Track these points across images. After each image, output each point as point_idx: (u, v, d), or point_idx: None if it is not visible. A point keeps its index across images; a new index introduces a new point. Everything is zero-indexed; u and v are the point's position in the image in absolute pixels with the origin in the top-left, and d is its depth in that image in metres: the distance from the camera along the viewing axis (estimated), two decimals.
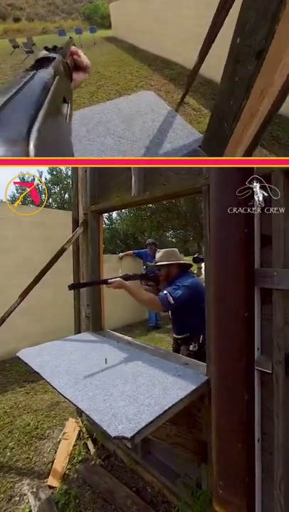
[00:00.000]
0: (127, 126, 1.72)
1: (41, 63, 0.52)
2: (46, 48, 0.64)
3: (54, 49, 0.64)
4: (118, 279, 1.70)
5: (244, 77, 1.29)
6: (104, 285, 1.77)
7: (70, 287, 1.74)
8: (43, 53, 0.61)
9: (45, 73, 0.46)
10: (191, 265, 2.07)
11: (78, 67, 0.77)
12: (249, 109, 1.36)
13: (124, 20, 10.06)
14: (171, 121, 1.79)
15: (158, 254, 2.05)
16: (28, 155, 0.28)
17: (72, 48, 0.77)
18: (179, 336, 1.96)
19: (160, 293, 1.75)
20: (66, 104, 0.51)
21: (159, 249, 2.14)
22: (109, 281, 1.70)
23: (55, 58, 0.55)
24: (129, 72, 5.85)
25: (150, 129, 1.71)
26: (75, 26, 13.94)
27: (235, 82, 1.37)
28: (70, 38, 1.00)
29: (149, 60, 6.79)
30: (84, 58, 0.78)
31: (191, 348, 1.84)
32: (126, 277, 1.79)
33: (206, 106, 4.01)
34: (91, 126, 1.72)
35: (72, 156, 0.48)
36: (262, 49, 1.16)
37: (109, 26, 13.42)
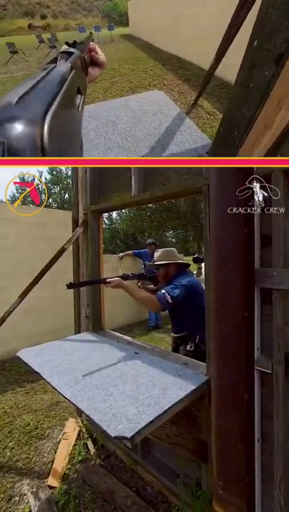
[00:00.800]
0: (134, 125, 1.71)
1: (61, 57, 0.59)
2: (67, 43, 0.70)
3: (74, 44, 0.70)
4: (117, 278, 1.70)
5: (260, 84, 1.18)
6: (103, 284, 1.77)
7: (69, 286, 1.74)
8: (64, 48, 0.67)
9: (63, 66, 0.53)
10: (188, 265, 2.08)
11: (95, 63, 0.81)
12: (263, 119, 1.25)
13: (141, 18, 10.05)
14: (179, 124, 1.78)
15: (156, 254, 2.05)
16: (42, 134, 0.33)
17: (91, 44, 0.81)
18: (177, 335, 1.96)
19: (158, 292, 1.75)
20: (80, 96, 0.57)
21: (157, 249, 2.14)
22: (107, 280, 1.70)
23: (73, 53, 0.61)
24: (143, 71, 5.84)
25: (157, 130, 1.70)
26: (94, 23, 14.48)
27: (249, 88, 1.26)
28: (90, 33, 1.04)
29: (164, 58, 6.76)
30: (101, 55, 0.82)
31: (188, 348, 1.84)
32: (124, 277, 1.79)
33: (222, 110, 3.83)
34: (100, 121, 1.73)
35: (80, 140, 0.54)
36: (282, 53, 1.04)
37: (126, 24, 13.58)
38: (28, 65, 7.73)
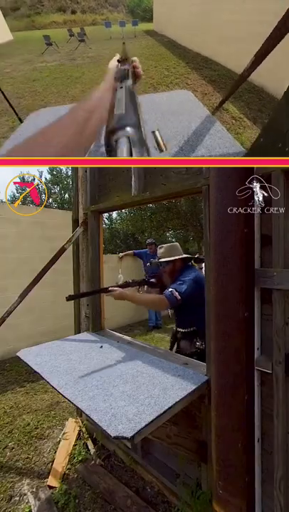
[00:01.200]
0: (163, 123, 1.69)
1: (124, 75, 0.92)
2: (118, 61, 1.02)
3: (123, 61, 1.02)
4: (118, 289, 1.70)
5: None
6: (104, 294, 1.76)
7: (68, 298, 1.71)
8: (118, 67, 0.99)
9: (128, 82, 0.88)
10: (192, 257, 2.07)
11: (136, 75, 1.05)
12: None
13: (167, 14, 9.82)
14: (209, 127, 1.73)
15: (160, 251, 2.04)
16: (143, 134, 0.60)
17: (135, 61, 1.07)
18: (185, 330, 1.92)
19: (165, 291, 1.75)
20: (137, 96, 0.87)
21: (161, 246, 2.13)
22: (109, 289, 1.69)
23: (128, 70, 0.95)
24: (165, 68, 5.70)
25: (185, 130, 1.68)
26: (119, 19, 15.03)
27: None
28: (124, 43, 1.41)
29: (188, 57, 6.58)
30: (140, 69, 1.05)
31: (198, 345, 1.82)
32: (126, 285, 1.78)
33: (250, 117, 3.51)
34: None
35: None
36: None
37: (150, 19, 13.65)
38: (60, 56, 8.27)
